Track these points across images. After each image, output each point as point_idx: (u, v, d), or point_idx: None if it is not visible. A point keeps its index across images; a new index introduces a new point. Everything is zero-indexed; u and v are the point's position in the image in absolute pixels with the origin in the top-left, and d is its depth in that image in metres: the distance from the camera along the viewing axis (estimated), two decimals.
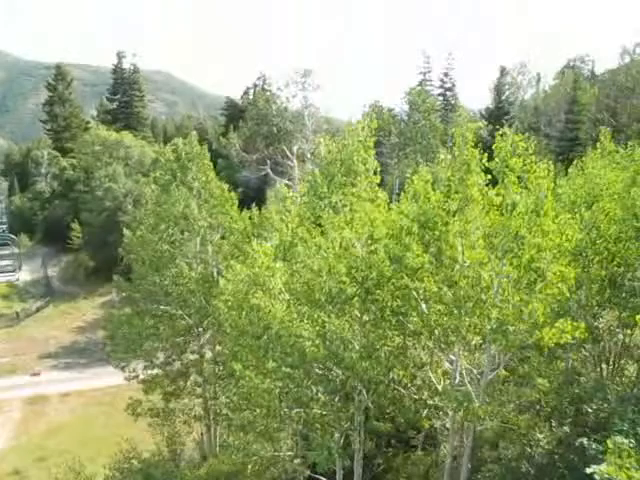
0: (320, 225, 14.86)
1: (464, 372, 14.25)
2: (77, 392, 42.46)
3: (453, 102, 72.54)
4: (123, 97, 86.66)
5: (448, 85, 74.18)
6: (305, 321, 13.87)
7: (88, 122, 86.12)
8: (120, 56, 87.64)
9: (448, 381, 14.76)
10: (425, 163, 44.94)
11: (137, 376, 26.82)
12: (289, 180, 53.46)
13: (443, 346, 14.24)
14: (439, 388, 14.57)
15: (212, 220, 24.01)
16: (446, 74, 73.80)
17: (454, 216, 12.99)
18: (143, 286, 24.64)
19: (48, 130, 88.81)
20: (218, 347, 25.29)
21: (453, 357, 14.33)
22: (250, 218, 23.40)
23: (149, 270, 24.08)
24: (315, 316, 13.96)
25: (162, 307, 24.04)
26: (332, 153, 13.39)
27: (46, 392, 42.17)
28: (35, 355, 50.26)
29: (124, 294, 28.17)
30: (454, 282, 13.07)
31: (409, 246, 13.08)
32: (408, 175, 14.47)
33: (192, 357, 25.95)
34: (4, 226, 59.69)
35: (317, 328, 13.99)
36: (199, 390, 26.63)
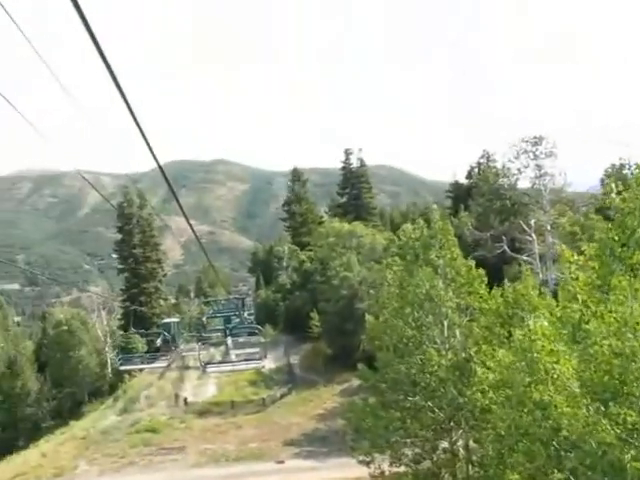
0: (607, 294, 11.88)
1: None
2: None
3: None
4: (352, 190, 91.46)
5: None
6: (604, 421, 10.79)
7: (322, 217, 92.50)
8: (347, 153, 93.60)
9: None
10: None
11: (382, 472, 24.95)
12: (528, 256, 49.27)
13: None
14: None
15: (460, 300, 21.91)
16: None
17: None
18: (389, 375, 23.12)
19: (287, 227, 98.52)
20: (472, 444, 22.30)
21: None
22: (502, 296, 20.78)
23: (394, 357, 22.57)
24: (616, 413, 10.83)
25: (410, 398, 22.07)
26: (627, 201, 10.66)
27: None
28: (279, 441, 51.37)
29: (368, 383, 26.95)
30: None
31: None
32: None
33: (443, 455, 23.26)
34: (252, 317, 64.82)
35: (620, 430, 10.79)
36: None
